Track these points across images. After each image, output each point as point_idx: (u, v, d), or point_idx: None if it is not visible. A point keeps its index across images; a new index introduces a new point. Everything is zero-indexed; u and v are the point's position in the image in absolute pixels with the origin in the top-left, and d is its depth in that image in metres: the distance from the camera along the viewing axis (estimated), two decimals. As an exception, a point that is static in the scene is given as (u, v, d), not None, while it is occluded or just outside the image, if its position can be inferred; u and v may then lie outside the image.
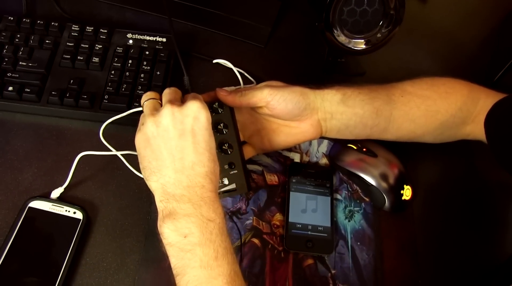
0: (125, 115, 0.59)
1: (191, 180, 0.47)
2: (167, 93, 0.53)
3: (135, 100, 0.64)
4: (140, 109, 0.60)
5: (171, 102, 0.50)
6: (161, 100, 0.53)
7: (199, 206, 0.46)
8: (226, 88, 0.59)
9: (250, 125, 0.62)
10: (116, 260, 0.58)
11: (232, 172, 0.58)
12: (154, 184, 0.48)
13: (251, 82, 0.70)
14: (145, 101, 0.53)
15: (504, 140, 0.56)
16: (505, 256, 0.63)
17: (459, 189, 0.69)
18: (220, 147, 0.57)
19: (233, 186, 0.58)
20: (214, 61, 0.69)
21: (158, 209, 0.48)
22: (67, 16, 0.75)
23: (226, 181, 0.58)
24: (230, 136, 0.58)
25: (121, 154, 0.61)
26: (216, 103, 0.58)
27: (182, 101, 0.52)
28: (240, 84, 0.67)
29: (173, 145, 0.48)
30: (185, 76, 0.57)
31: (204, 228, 0.46)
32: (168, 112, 0.49)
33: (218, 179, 0.50)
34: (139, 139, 0.50)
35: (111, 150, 0.61)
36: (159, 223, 0.47)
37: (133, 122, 0.64)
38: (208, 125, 0.50)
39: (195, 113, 0.49)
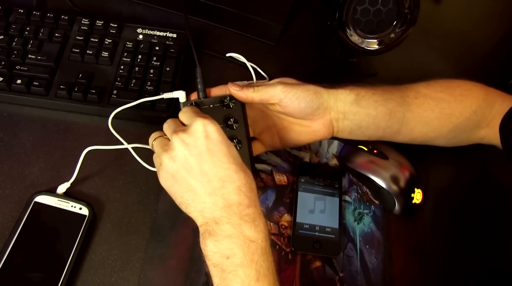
0: (134, 106, 0.59)
1: (226, 199, 0.46)
2: (166, 126, 0.52)
3: (144, 96, 0.63)
4: (149, 99, 0.59)
5: (176, 131, 0.49)
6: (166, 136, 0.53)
7: (239, 225, 0.46)
8: (238, 83, 0.58)
9: (260, 121, 0.61)
10: (122, 258, 0.57)
11: None
12: (193, 214, 0.48)
13: (263, 78, 0.69)
14: (153, 141, 0.53)
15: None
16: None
17: (470, 193, 0.68)
18: None
19: None
20: (228, 54, 0.68)
21: (200, 232, 0.47)
22: (77, 9, 0.74)
23: None
24: (240, 131, 0.58)
25: (131, 147, 0.60)
26: (228, 98, 0.57)
27: (182, 123, 0.52)
28: (252, 79, 0.66)
29: (196, 172, 0.47)
30: (198, 68, 0.57)
31: (247, 249, 0.45)
32: (178, 142, 0.48)
33: (255, 192, 0.48)
34: (164, 179, 0.49)
35: (118, 144, 0.60)
36: (201, 246, 0.47)
37: (142, 117, 0.65)
38: (221, 137, 0.48)
39: (204, 132, 0.48)
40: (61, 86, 0.63)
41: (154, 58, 0.67)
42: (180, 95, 0.57)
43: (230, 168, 0.47)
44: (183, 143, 0.48)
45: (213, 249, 0.45)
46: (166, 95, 0.58)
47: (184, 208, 0.49)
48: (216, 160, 0.47)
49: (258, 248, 0.46)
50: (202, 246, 0.47)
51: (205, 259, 0.47)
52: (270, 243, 0.48)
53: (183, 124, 0.52)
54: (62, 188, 0.59)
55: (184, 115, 0.52)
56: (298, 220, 0.61)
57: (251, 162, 0.58)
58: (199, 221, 0.48)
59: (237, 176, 0.47)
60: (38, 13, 0.68)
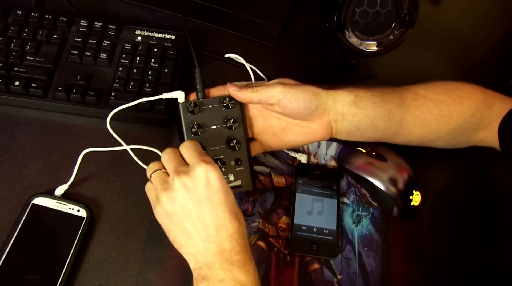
0: (132, 108, 0.60)
1: (219, 246, 0.47)
2: (167, 159, 0.51)
3: (143, 98, 0.63)
4: (148, 99, 0.60)
5: (178, 172, 0.49)
6: (165, 168, 0.52)
7: (230, 271, 0.46)
8: (237, 83, 0.58)
9: (259, 122, 0.61)
10: (120, 259, 0.57)
11: (238, 169, 0.57)
12: (186, 256, 0.49)
13: (262, 79, 0.69)
14: (152, 173, 0.52)
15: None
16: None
17: (469, 195, 0.68)
18: (228, 143, 0.57)
19: (238, 182, 0.58)
20: (226, 55, 0.68)
21: (193, 275, 0.48)
22: (75, 11, 0.74)
23: (231, 178, 0.57)
24: (239, 132, 0.58)
25: (130, 148, 0.60)
26: (227, 98, 0.58)
27: (183, 159, 0.51)
28: (251, 80, 0.66)
29: (193, 217, 0.48)
30: (197, 68, 0.57)
31: None
32: (179, 185, 0.48)
33: (246, 238, 0.49)
34: (161, 215, 0.50)
35: (116, 146, 0.60)
36: None
37: (140, 119, 0.64)
38: (221, 185, 0.48)
39: (205, 179, 0.48)
40: (59, 88, 0.63)
41: (153, 60, 0.66)
42: (179, 95, 0.57)
43: (225, 217, 0.48)
44: (184, 187, 0.48)
45: None
46: (165, 95, 0.58)
47: (177, 247, 0.49)
48: (213, 208, 0.48)
49: None
50: None
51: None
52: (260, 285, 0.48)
53: (184, 159, 0.51)
54: (60, 190, 0.59)
55: (186, 151, 0.51)
56: (296, 221, 0.61)
57: (250, 163, 0.58)
58: (191, 264, 0.48)
59: (230, 224, 0.48)
60: (37, 15, 0.68)
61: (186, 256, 0.49)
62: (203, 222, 0.47)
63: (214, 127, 0.57)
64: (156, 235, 0.58)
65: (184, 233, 0.48)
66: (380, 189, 0.62)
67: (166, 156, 0.52)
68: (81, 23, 0.68)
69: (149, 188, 0.52)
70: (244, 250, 0.48)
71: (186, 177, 0.48)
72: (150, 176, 0.52)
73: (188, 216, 0.48)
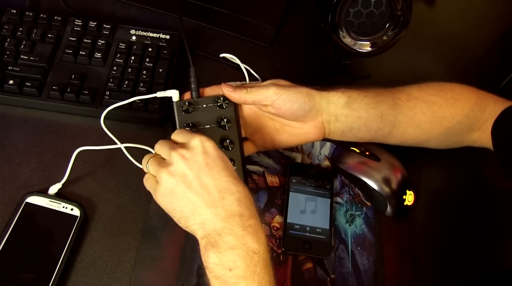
0: (127, 107, 0.60)
1: (227, 210, 0.46)
2: (159, 146, 0.52)
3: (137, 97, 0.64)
4: (142, 97, 0.60)
5: (174, 148, 0.49)
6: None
7: (242, 237, 0.45)
8: (231, 83, 0.58)
9: (253, 122, 0.61)
10: (113, 258, 0.57)
11: None
12: (193, 227, 0.47)
13: (256, 80, 0.69)
14: (147, 161, 0.52)
15: (511, 148, 0.55)
16: (509, 265, 0.62)
17: (463, 195, 0.68)
18: (221, 143, 0.57)
19: None
20: (221, 55, 0.68)
21: (200, 245, 0.47)
22: (70, 10, 0.74)
23: None
24: (232, 132, 0.58)
25: (124, 147, 0.60)
26: (221, 98, 0.58)
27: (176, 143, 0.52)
28: (245, 81, 0.66)
29: (196, 185, 0.47)
30: (191, 68, 0.57)
31: (249, 261, 0.45)
32: (178, 157, 0.48)
33: (253, 205, 0.48)
34: (162, 195, 0.49)
35: (110, 144, 0.60)
36: (203, 258, 0.46)
37: (134, 118, 0.65)
38: (218, 153, 0.49)
39: (202, 148, 0.48)
40: (54, 87, 0.63)
41: (147, 59, 0.67)
42: (174, 94, 0.57)
43: (229, 181, 0.48)
44: (182, 158, 0.48)
45: (215, 261, 0.45)
46: (160, 94, 0.58)
47: (183, 223, 0.48)
48: (215, 173, 0.48)
49: (261, 260, 0.45)
50: (204, 258, 0.46)
51: (206, 271, 0.46)
52: (270, 256, 0.47)
53: (178, 144, 0.52)
54: (53, 189, 0.59)
55: (178, 134, 0.52)
56: (289, 220, 0.61)
57: (242, 163, 0.58)
58: (199, 233, 0.47)
59: (236, 188, 0.47)
60: (31, 14, 0.68)
61: (193, 228, 0.47)
62: (206, 188, 0.47)
63: (208, 126, 0.57)
64: (149, 234, 0.59)
65: (189, 204, 0.47)
66: (374, 189, 0.63)
67: (159, 145, 0.52)
68: (75, 23, 0.68)
69: (147, 178, 0.52)
70: (254, 216, 0.47)
71: (183, 149, 0.48)
72: (147, 166, 0.52)
73: (190, 185, 0.47)
